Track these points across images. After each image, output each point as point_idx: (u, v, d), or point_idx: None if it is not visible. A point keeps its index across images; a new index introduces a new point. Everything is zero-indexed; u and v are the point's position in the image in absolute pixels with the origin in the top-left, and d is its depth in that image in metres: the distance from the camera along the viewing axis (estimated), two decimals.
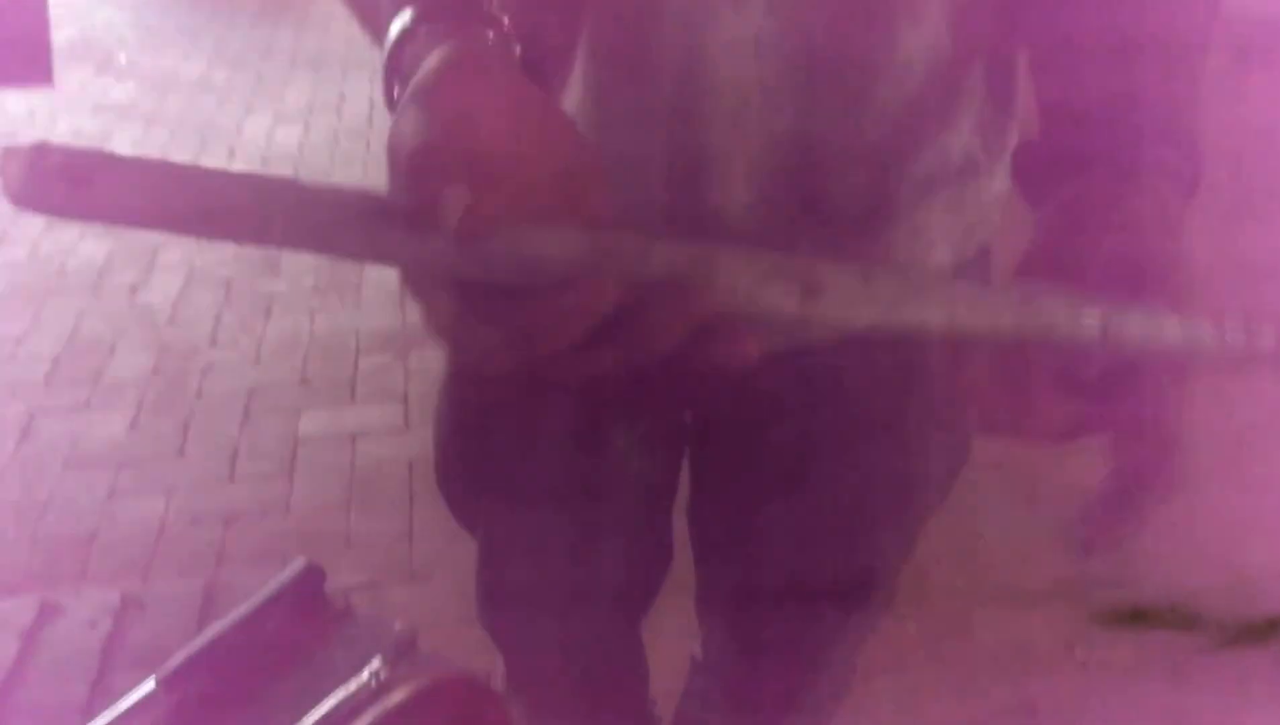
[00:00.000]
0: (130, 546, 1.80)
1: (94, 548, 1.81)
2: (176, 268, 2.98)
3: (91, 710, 0.91)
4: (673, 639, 1.10)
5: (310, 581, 1.07)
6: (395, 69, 0.51)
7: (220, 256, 3.03)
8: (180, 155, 3.71)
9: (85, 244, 3.11)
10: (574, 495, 0.91)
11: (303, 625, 1.00)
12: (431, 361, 2.13)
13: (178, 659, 0.97)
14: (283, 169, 3.60)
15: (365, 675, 0.94)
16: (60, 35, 3.93)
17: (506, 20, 0.50)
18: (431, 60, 0.46)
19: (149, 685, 0.95)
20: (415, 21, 0.50)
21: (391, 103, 0.51)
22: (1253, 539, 1.38)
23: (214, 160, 3.69)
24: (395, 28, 0.51)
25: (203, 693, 0.96)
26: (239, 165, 3.64)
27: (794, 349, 0.68)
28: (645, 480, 0.94)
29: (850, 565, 0.89)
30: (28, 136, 3.75)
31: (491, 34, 0.49)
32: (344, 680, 0.92)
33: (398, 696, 0.84)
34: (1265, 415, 1.54)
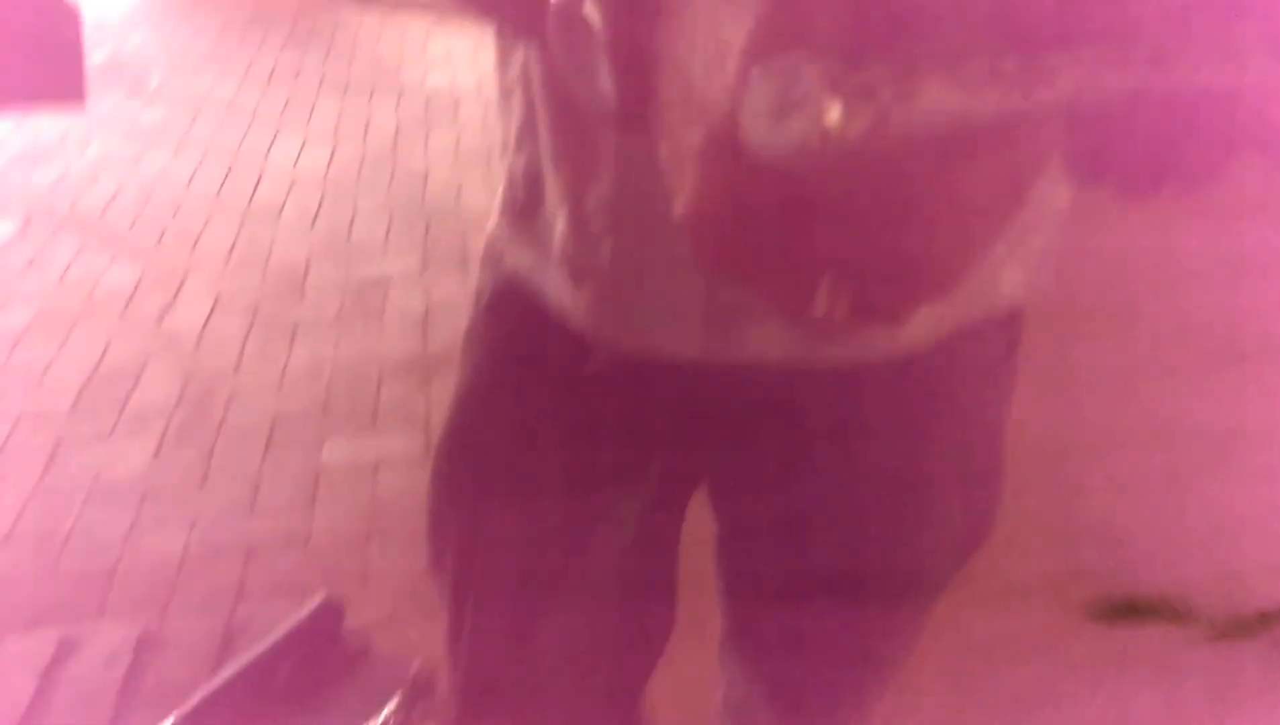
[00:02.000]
0: (150, 581, 1.80)
1: (113, 582, 1.82)
2: (204, 293, 3.01)
3: None
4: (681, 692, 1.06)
5: (328, 619, 1.07)
6: None
7: (246, 282, 3.05)
8: (209, 180, 3.76)
9: (115, 270, 3.14)
10: (565, 556, 0.86)
11: (319, 665, 1.00)
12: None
13: (194, 700, 0.98)
14: (311, 191, 3.63)
15: (382, 719, 0.93)
16: (93, 59, 3.98)
17: None
18: None
19: None
20: None
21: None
22: (1244, 533, 1.38)
23: (242, 185, 3.72)
24: None
25: None
26: (265, 190, 3.68)
27: (836, 367, 0.67)
28: (647, 540, 0.88)
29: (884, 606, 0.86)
30: (60, 161, 3.81)
31: None
32: (362, 722, 0.92)
33: None
34: (1256, 410, 1.52)
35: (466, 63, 4.77)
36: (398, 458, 2.24)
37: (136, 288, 3.04)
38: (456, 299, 2.89)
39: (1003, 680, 0.71)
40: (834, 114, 0.29)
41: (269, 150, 4.01)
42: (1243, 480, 1.46)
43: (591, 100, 0.42)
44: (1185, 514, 1.40)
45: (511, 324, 0.83)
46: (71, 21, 1.01)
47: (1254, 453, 1.49)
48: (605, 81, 0.41)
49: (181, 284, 3.05)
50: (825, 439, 0.79)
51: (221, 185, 3.72)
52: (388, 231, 3.36)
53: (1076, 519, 0.86)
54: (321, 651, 1.08)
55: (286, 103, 4.51)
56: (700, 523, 0.92)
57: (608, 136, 0.46)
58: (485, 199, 3.48)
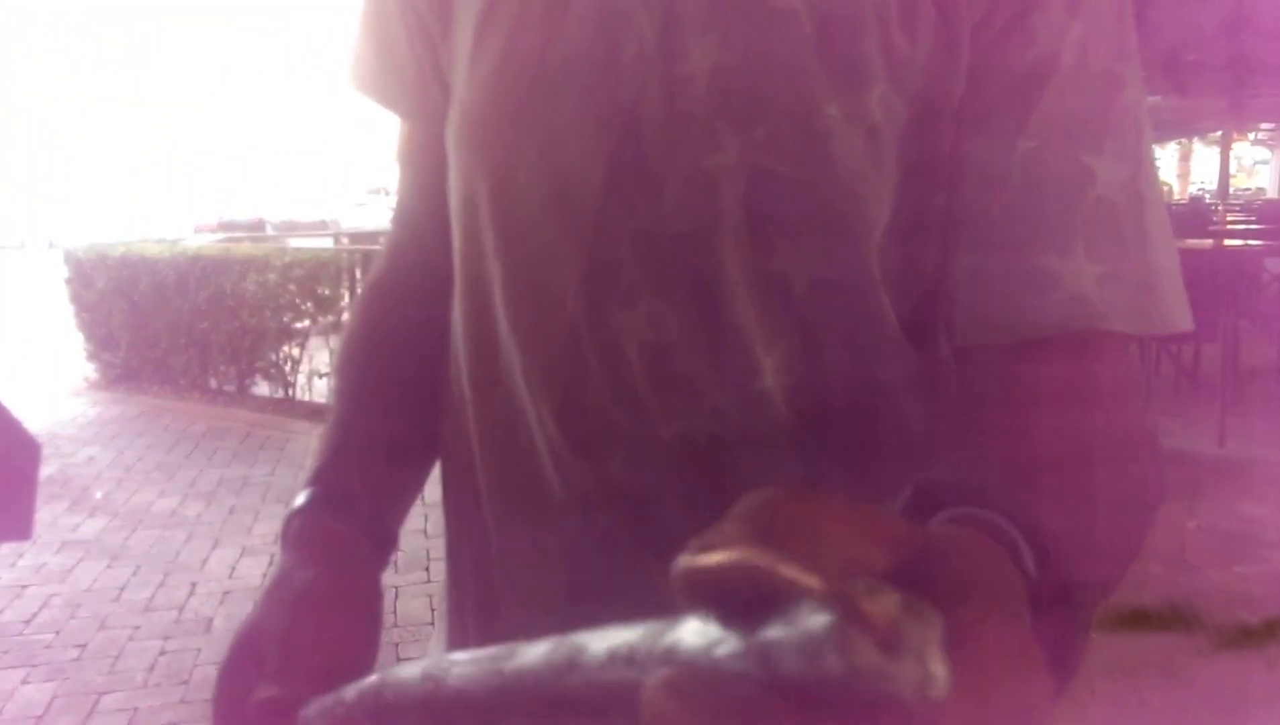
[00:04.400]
0: None
1: None
2: (120, 711, 2.87)
3: None
4: None
5: None
6: (285, 530, 0.64)
7: (166, 698, 2.93)
8: (141, 591, 3.71)
9: (28, 689, 3.01)
10: None
11: None
12: None
13: None
14: (243, 601, 3.58)
15: None
16: (40, 473, 4.04)
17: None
18: (296, 581, 0.59)
19: None
20: (308, 506, 0.65)
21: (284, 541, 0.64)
22: (1250, 545, 1.33)
23: (175, 594, 3.67)
24: (298, 499, 0.65)
25: None
26: (198, 599, 3.63)
27: None
28: None
29: None
30: None
31: (362, 542, 0.62)
32: None
33: None
34: (1264, 425, 1.52)
35: None
36: None
37: (48, 707, 2.90)
38: None
39: None
40: None
41: (205, 561, 4.01)
42: (1251, 492, 1.45)
43: None
44: (1195, 524, 1.39)
45: None
46: (30, 457, 1.05)
47: (1263, 464, 1.49)
48: None
49: (97, 702, 2.92)
50: None
51: (152, 596, 3.67)
52: None
53: None
54: None
55: (230, 513, 4.56)
56: None
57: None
58: (422, 605, 3.46)
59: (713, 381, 0.61)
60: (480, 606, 0.71)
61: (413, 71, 0.72)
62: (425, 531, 4.02)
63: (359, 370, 0.76)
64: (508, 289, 0.65)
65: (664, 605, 0.64)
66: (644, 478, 0.63)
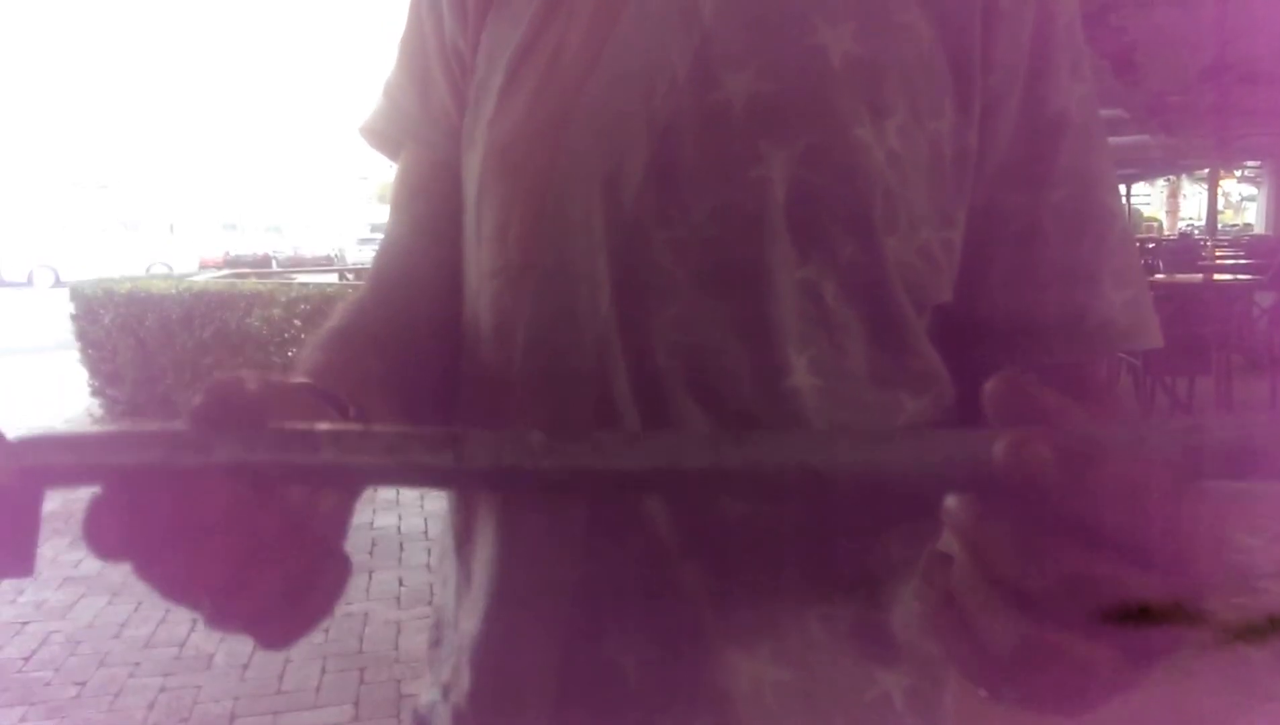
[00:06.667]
0: None
1: None
2: None
3: None
4: None
5: None
6: None
7: None
8: (142, 627, 3.69)
9: None
10: None
11: None
12: None
13: None
14: (244, 638, 3.55)
15: None
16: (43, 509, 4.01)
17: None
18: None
19: None
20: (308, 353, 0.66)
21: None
22: (1256, 536, 1.32)
23: (176, 631, 3.66)
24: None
25: None
26: (199, 635, 3.61)
27: None
28: None
29: None
30: None
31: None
32: None
33: None
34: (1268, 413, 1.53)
35: (413, 506, 4.92)
36: None
37: None
38: None
39: None
40: None
41: None
42: (1255, 483, 1.47)
43: None
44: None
45: None
46: (33, 496, 1.04)
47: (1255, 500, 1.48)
48: None
49: None
50: None
51: (153, 633, 3.66)
52: (320, 678, 3.27)
53: None
54: None
55: None
56: None
57: None
58: (424, 640, 3.45)
59: (742, 379, 0.64)
60: (483, 612, 0.71)
61: (449, 105, 0.75)
62: (428, 565, 4.01)
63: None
64: (535, 308, 0.67)
65: (680, 611, 0.65)
66: None
